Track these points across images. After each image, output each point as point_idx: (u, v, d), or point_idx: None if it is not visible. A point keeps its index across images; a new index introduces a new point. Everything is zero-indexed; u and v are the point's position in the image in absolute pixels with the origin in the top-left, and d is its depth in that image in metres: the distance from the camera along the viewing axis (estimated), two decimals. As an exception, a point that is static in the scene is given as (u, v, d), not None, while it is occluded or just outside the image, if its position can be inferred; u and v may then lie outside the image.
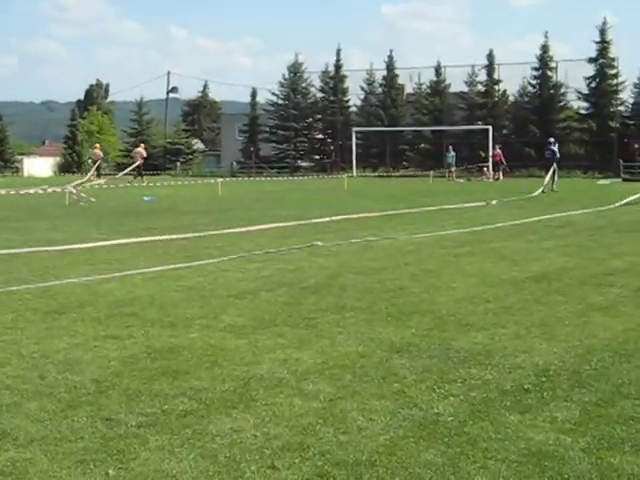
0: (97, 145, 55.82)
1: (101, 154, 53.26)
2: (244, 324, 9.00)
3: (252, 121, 78.18)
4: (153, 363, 7.37)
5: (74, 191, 30.71)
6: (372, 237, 17.43)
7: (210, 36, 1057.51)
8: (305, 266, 13.51)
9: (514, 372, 7.13)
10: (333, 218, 21.86)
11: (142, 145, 54.36)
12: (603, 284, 11.64)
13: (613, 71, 63.86)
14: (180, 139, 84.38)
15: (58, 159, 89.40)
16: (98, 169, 52.05)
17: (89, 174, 50.96)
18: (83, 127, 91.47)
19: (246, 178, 54.73)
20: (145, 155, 51.10)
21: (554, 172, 38.51)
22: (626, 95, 64.29)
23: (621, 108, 64.49)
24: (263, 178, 54.58)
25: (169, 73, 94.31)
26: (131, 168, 50.31)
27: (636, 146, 56.97)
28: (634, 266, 13.38)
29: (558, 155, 39.38)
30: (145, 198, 32.13)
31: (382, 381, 6.81)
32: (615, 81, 63.88)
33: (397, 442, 5.46)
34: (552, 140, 40.66)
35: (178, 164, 79.09)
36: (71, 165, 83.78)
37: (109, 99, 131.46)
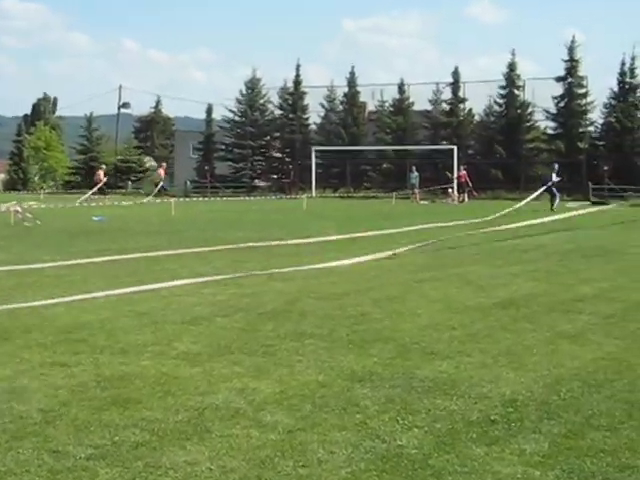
0: (163, 164, 60.33)
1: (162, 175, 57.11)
2: (199, 351, 8.98)
3: (207, 138, 77.97)
4: (103, 392, 7.33)
5: (19, 210, 30.43)
6: (332, 261, 17.45)
7: (162, 48, 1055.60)
8: (262, 291, 13.51)
9: (480, 402, 7.16)
10: (292, 241, 21.88)
11: (103, 167, 58.42)
12: (572, 311, 11.73)
13: (582, 90, 64.30)
14: (132, 156, 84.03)
15: (2, 176, 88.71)
16: (161, 190, 54.63)
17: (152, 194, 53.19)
18: (29, 143, 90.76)
19: (200, 198, 54.61)
20: (103, 179, 54.45)
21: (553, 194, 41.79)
22: (595, 115, 64.75)
23: (590, 129, 64.97)
24: (218, 198, 54.55)
25: (121, 87, 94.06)
26: (92, 191, 52.43)
27: (605, 168, 57.40)
28: (603, 292, 13.50)
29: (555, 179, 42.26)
30: (94, 218, 31.95)
31: (343, 412, 6.82)
32: (584, 101, 64.28)
33: (359, 475, 5.47)
34: (556, 167, 43.53)
35: (129, 182, 78.78)
36: (16, 182, 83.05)
37: (57, 113, 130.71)
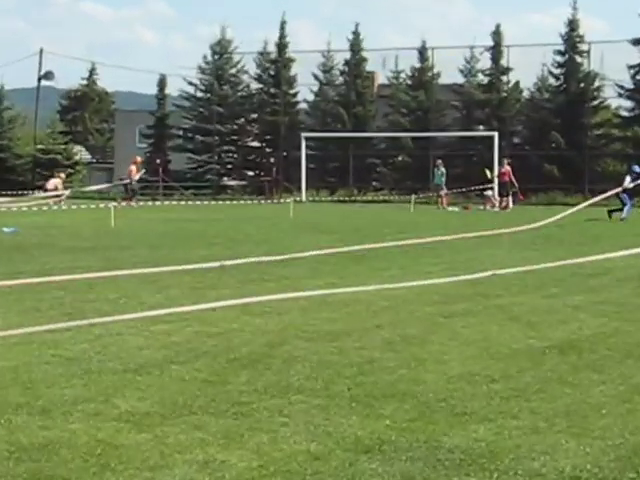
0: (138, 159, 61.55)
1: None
2: (147, 411, 8.98)
3: (159, 121, 78.06)
4: (18, 466, 7.33)
5: None
6: (329, 288, 17.49)
7: (101, 0, 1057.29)
8: (234, 328, 13.52)
9: (531, 481, 7.19)
10: (275, 258, 21.93)
11: (62, 175, 62.02)
12: (653, 357, 11.78)
13: (668, 57, 64.55)
14: (56, 145, 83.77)
15: None
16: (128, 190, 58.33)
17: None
18: None
19: (150, 202, 54.64)
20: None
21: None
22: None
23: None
24: (174, 202, 54.60)
25: (42, 51, 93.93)
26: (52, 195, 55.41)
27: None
28: (695, 332, 13.55)
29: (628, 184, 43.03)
30: (4, 229, 31.94)
31: (345, 494, 6.83)
32: (672, 72, 64.55)
33: None
34: (637, 169, 43.71)
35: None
36: None
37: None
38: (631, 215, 41.22)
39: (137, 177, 57.15)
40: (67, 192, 57.98)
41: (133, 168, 57.67)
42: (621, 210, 41.73)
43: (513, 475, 7.31)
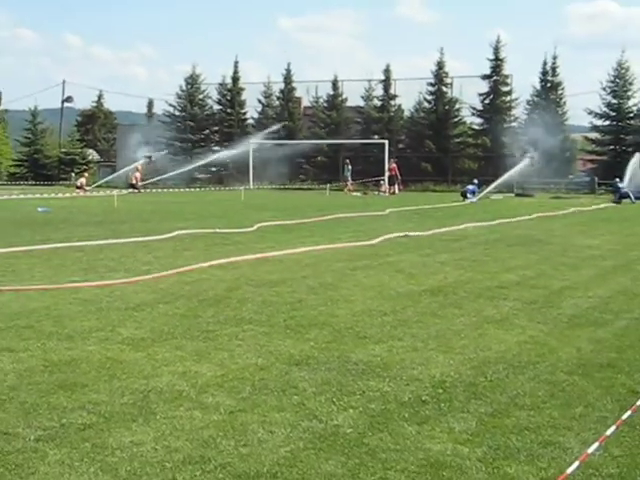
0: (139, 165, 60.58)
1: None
2: (142, 337, 8.95)
3: (148, 132, 77.44)
4: (50, 376, 7.28)
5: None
6: (270, 250, 17.46)
7: (105, 45, 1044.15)
8: (203, 278, 13.48)
9: (412, 384, 7.24)
10: (232, 230, 21.86)
11: (86, 175, 61.77)
12: (497, 297, 11.89)
13: (506, 88, 64.94)
14: (75, 149, 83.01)
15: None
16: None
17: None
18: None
19: (142, 190, 54.17)
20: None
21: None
22: (519, 112, 65.47)
23: (514, 124, 65.58)
24: (160, 190, 54.16)
25: (64, 82, 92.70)
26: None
27: (530, 156, 57.90)
28: (525, 279, 13.68)
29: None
30: (39, 209, 31.54)
31: (282, 394, 6.85)
32: (508, 98, 65.02)
33: (297, 454, 5.51)
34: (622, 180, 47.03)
35: (73, 174, 77.96)
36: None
37: (2, 107, 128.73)
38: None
39: (141, 183, 55.98)
40: (90, 187, 57.18)
41: (138, 175, 56.62)
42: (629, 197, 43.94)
43: (400, 380, 7.36)
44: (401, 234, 21.16)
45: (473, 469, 5.32)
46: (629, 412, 6.36)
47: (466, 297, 11.87)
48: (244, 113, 74.87)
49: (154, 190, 53.71)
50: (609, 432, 5.88)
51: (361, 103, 69.25)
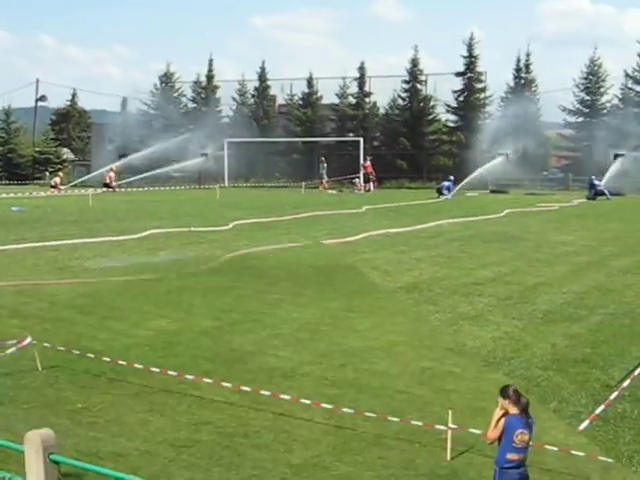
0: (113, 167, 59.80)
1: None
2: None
3: (123, 131, 77.10)
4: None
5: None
6: (246, 248, 17.46)
7: (79, 45, 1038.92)
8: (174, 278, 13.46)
9: (381, 378, 7.22)
10: (207, 229, 21.80)
11: (61, 174, 60.69)
12: (472, 293, 11.93)
13: (481, 85, 64.99)
14: (49, 148, 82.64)
15: None
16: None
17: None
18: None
19: (117, 189, 53.98)
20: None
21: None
22: (493, 108, 65.57)
23: (489, 121, 65.66)
24: (134, 189, 53.94)
25: (38, 81, 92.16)
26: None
27: (505, 153, 58.04)
28: (500, 276, 13.74)
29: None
30: (13, 208, 31.34)
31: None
32: (483, 95, 65.08)
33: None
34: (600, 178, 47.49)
35: (47, 173, 77.62)
36: None
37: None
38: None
39: (115, 184, 55.53)
40: (65, 186, 56.81)
41: (112, 175, 56.44)
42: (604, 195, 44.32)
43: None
44: (381, 232, 21.15)
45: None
46: (603, 406, 6.41)
47: (441, 294, 11.93)
48: (219, 111, 74.71)
49: (129, 189, 53.48)
50: (582, 427, 5.92)
51: (336, 101, 69.21)
